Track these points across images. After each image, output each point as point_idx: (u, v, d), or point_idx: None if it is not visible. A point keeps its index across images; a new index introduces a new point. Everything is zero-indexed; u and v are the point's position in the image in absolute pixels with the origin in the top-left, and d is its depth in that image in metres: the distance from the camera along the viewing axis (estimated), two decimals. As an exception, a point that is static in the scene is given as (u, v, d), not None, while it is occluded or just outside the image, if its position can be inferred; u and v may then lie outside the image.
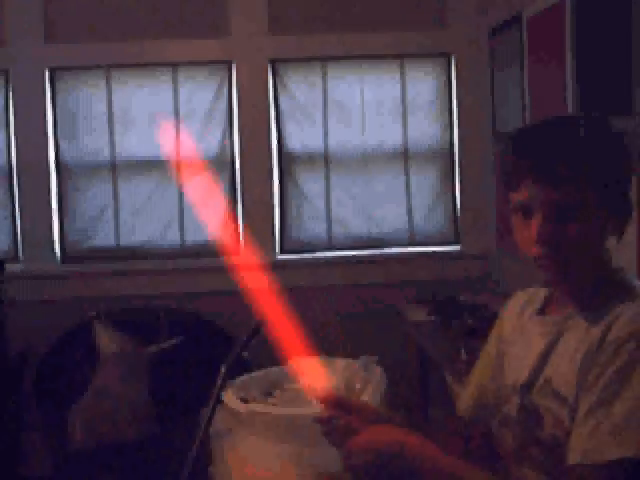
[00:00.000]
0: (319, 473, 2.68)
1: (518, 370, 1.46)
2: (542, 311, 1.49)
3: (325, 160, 4.52)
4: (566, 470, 1.27)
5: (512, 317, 1.56)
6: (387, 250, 4.54)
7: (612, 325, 1.30)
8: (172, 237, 4.51)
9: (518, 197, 1.37)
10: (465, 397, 1.64)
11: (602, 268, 1.42)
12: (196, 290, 4.35)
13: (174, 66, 4.45)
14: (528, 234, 1.36)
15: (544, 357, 1.41)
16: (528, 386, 1.42)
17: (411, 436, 1.38)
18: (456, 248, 4.54)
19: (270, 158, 4.48)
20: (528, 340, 1.47)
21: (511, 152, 1.40)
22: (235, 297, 4.40)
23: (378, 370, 2.82)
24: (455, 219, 4.54)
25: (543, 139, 1.36)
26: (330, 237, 4.56)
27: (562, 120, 1.46)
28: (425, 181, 4.45)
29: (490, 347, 1.62)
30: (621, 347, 1.26)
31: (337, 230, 4.57)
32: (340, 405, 1.49)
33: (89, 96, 4.44)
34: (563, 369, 1.35)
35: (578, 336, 1.35)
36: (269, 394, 3.09)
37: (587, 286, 1.40)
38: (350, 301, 4.35)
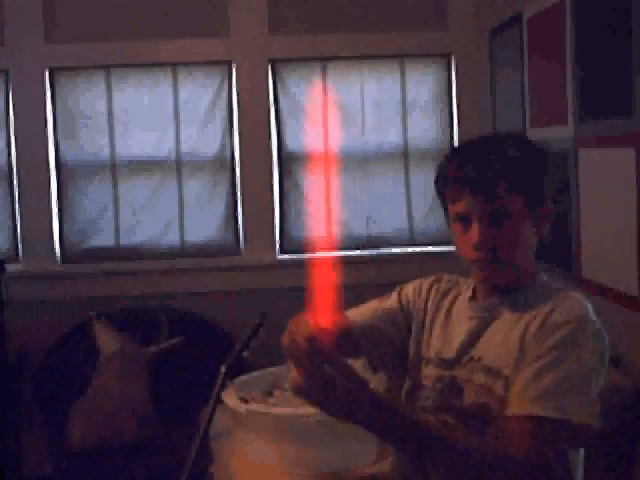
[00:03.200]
0: (319, 473, 2.68)
1: (441, 345, 1.66)
2: (472, 298, 1.70)
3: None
4: (500, 421, 1.46)
5: (437, 295, 1.76)
6: (387, 250, 4.53)
7: (552, 313, 1.51)
8: (172, 237, 4.51)
9: (458, 208, 1.57)
10: (357, 313, 1.77)
11: (529, 267, 1.64)
12: (196, 290, 4.35)
13: (174, 66, 4.46)
14: (467, 240, 1.56)
15: (473, 338, 1.61)
16: (453, 362, 1.61)
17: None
18: (456, 248, 4.53)
19: (270, 158, 4.48)
20: (457, 321, 1.67)
21: (448, 169, 1.61)
22: (235, 297, 4.43)
23: (378, 370, 2.82)
24: (455, 219, 4.53)
25: (478, 157, 1.56)
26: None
27: (492, 139, 1.70)
28: (425, 181, 4.44)
29: (392, 301, 1.78)
30: (561, 328, 1.47)
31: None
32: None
33: (89, 96, 4.44)
34: (496, 349, 1.55)
35: (508, 323, 1.57)
36: (269, 394, 3.09)
37: (514, 281, 1.61)
38: (350, 301, 4.34)
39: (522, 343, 1.52)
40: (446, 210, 1.65)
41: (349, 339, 1.66)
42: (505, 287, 1.62)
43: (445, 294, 1.76)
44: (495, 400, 1.51)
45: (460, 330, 1.65)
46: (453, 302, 1.73)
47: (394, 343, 1.73)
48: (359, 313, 1.79)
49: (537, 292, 1.60)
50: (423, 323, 1.74)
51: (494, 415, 1.50)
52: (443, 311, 1.73)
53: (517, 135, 1.78)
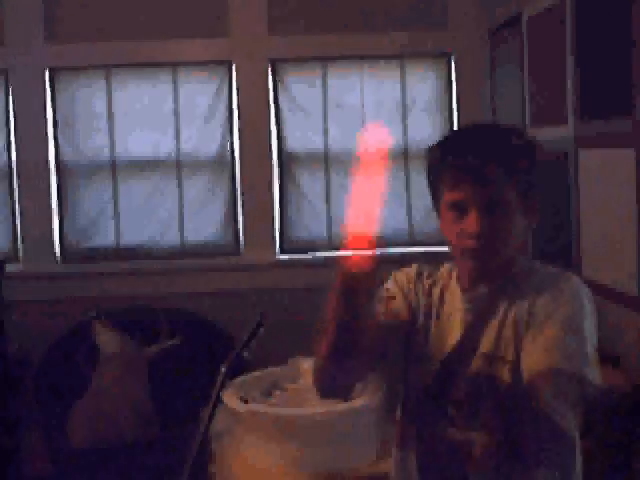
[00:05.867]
0: (319, 473, 2.68)
1: (439, 341, 1.65)
2: (462, 289, 1.67)
3: (325, 160, 4.52)
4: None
5: (425, 290, 1.72)
6: (387, 250, 4.53)
7: (536, 300, 1.53)
8: (172, 237, 4.51)
9: (454, 196, 1.55)
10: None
11: (515, 258, 1.63)
12: (196, 290, 4.35)
13: (174, 66, 4.46)
14: (462, 229, 1.54)
15: (469, 330, 1.61)
16: (453, 356, 1.62)
17: None
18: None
19: (270, 158, 4.48)
20: (450, 314, 1.66)
21: (446, 156, 1.58)
22: (235, 297, 4.42)
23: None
24: (455, 219, 4.53)
25: (477, 145, 1.56)
26: (330, 237, 4.56)
27: (489, 128, 1.72)
28: (425, 181, 4.43)
29: (396, 291, 1.74)
30: (567, 303, 1.51)
31: (337, 230, 4.57)
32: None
33: (89, 96, 4.44)
34: (494, 338, 1.57)
35: (502, 311, 1.58)
36: (269, 394, 3.09)
37: (504, 269, 1.60)
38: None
39: (517, 327, 1.55)
40: (435, 199, 1.64)
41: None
42: (493, 275, 1.61)
43: (432, 287, 1.73)
44: (502, 387, 1.54)
45: (455, 322, 1.65)
46: (442, 295, 1.71)
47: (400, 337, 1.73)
48: None
49: (524, 276, 1.61)
50: (416, 320, 1.72)
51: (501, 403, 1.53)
52: (435, 307, 1.70)
53: (512, 125, 1.78)
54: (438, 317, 1.69)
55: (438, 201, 1.63)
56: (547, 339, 1.49)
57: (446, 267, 1.74)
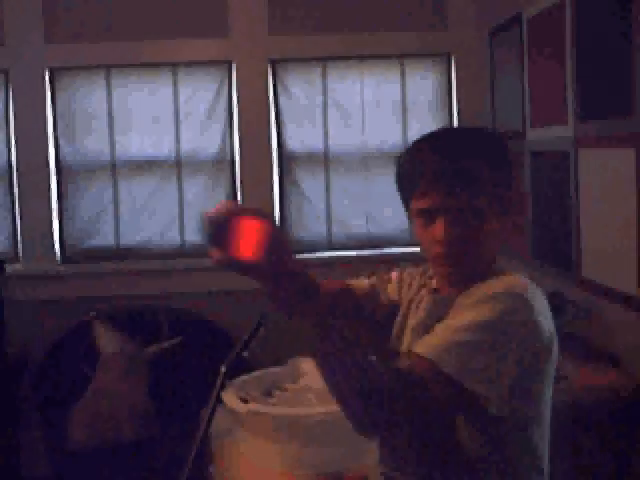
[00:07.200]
0: (319, 473, 2.68)
1: (399, 342, 1.67)
2: (435, 290, 1.67)
3: (325, 160, 4.52)
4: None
5: (409, 294, 1.74)
6: (387, 250, 4.53)
7: (484, 288, 1.52)
8: (172, 237, 4.51)
9: (423, 204, 1.55)
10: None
11: (489, 264, 1.60)
12: (196, 290, 4.35)
13: (174, 66, 4.46)
14: (431, 235, 1.55)
15: (417, 334, 1.60)
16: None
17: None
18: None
19: (270, 158, 4.48)
20: (415, 311, 1.67)
21: (412, 164, 1.60)
22: (235, 297, 4.43)
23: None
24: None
25: (442, 152, 1.56)
26: (330, 237, 4.56)
27: (454, 133, 1.75)
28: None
29: (391, 289, 1.78)
30: (491, 299, 1.48)
31: (337, 230, 4.57)
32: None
33: (89, 96, 4.44)
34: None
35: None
36: (269, 394, 3.09)
37: (475, 276, 1.57)
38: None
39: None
40: (406, 205, 1.65)
41: (349, 296, 1.71)
42: (465, 282, 1.59)
43: (416, 292, 1.73)
44: None
45: (410, 325, 1.66)
46: (413, 300, 1.72)
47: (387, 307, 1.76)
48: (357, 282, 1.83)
49: (485, 283, 1.57)
50: (394, 316, 1.74)
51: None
52: (406, 309, 1.72)
53: (479, 129, 1.79)
54: (405, 317, 1.71)
55: (408, 207, 1.64)
56: (445, 328, 1.47)
57: (423, 268, 1.75)
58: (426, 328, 1.56)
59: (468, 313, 1.48)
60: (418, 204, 1.57)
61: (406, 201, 1.64)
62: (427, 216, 1.55)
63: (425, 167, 1.55)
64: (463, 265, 1.56)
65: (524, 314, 1.48)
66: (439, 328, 1.49)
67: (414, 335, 1.62)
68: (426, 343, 1.46)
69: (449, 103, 4.55)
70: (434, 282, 1.68)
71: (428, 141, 1.65)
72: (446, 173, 1.52)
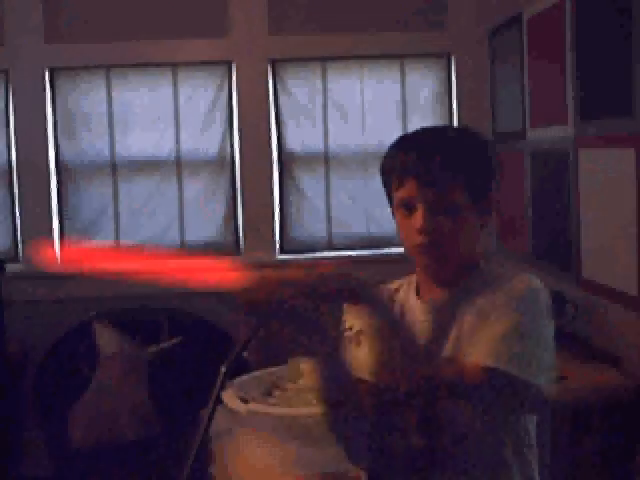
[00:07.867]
0: (319, 473, 2.68)
1: None
2: (419, 297, 1.68)
3: (325, 160, 4.52)
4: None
5: (396, 304, 1.73)
6: (387, 250, 4.53)
7: (488, 301, 1.53)
8: (172, 237, 4.51)
9: (402, 194, 1.60)
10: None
11: (472, 258, 1.63)
12: (196, 290, 4.33)
13: (174, 66, 4.46)
14: (411, 226, 1.59)
15: (432, 343, 1.59)
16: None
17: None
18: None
19: (270, 158, 4.48)
20: (411, 324, 1.65)
21: (393, 158, 1.62)
22: (235, 297, 4.41)
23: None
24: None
25: (422, 145, 1.60)
26: (330, 237, 4.56)
27: (437, 130, 1.73)
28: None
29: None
30: (518, 298, 1.51)
31: (337, 230, 4.57)
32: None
33: (89, 96, 4.44)
34: (452, 346, 1.57)
35: (458, 321, 1.58)
36: (269, 394, 3.09)
37: (459, 271, 1.61)
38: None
39: (473, 332, 1.55)
40: (390, 201, 1.67)
41: (347, 284, 1.66)
42: (449, 281, 1.62)
43: (392, 303, 1.73)
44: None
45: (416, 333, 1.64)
46: (402, 310, 1.71)
47: None
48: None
49: (483, 279, 1.61)
50: None
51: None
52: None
53: (462, 127, 1.89)
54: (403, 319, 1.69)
55: (391, 201, 1.66)
56: (490, 338, 1.48)
57: (405, 280, 1.76)
58: (440, 340, 1.59)
59: (508, 317, 1.50)
60: (398, 194, 1.61)
61: (389, 196, 1.67)
62: (407, 207, 1.60)
63: (404, 158, 1.59)
64: (444, 258, 1.59)
65: (549, 305, 1.55)
66: (485, 337, 1.50)
67: (433, 344, 1.61)
68: (484, 353, 1.47)
69: (449, 103, 4.55)
70: (412, 291, 1.70)
71: (409, 137, 1.69)
72: (423, 163, 1.56)
